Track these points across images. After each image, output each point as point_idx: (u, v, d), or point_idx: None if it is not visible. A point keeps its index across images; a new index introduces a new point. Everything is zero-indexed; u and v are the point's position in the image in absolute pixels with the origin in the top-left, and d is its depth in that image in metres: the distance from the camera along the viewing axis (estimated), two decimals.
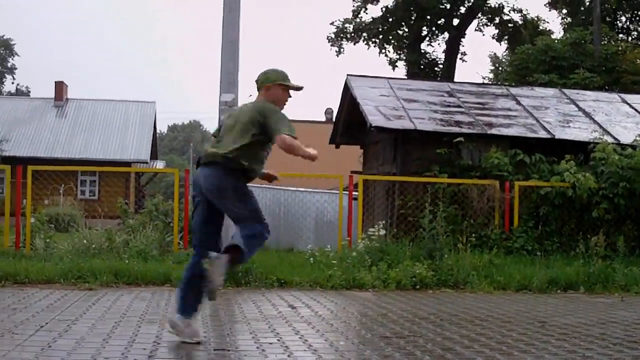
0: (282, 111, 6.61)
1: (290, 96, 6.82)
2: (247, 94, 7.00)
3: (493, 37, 45.80)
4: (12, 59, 79.66)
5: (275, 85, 6.71)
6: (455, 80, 36.51)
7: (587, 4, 40.25)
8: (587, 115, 18.04)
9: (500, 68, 44.37)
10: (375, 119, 15.87)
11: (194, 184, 6.77)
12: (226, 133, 6.60)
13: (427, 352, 6.26)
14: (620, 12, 42.19)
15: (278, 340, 6.71)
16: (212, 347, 6.29)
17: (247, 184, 6.59)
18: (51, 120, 43.50)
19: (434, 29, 45.74)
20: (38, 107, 44.60)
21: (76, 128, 42.81)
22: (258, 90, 6.80)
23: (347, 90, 18.48)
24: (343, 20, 45.69)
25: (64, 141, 41.48)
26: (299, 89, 6.86)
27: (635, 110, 18.85)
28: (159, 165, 47.63)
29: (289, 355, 6.01)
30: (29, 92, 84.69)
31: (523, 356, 6.18)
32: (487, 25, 46.16)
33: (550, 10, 50.26)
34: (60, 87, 45.53)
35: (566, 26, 42.06)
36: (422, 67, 44.21)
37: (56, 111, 44.50)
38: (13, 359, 5.60)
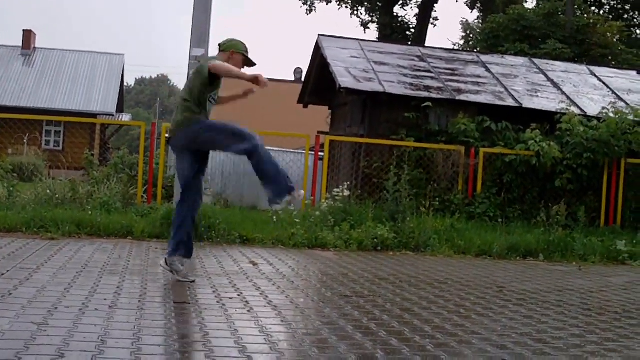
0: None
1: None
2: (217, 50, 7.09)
3: (466, 4, 45.65)
4: None
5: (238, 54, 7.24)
6: (426, 45, 36.42)
7: None
8: (556, 85, 18.15)
9: (471, 35, 44.30)
10: (345, 80, 15.86)
11: None
12: None
13: (386, 312, 6.32)
14: None
15: (239, 295, 6.73)
16: (173, 299, 6.30)
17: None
18: (18, 69, 42.88)
19: None
20: (4, 55, 43.91)
21: (43, 78, 42.27)
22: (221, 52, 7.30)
23: (317, 51, 18.42)
24: None
25: (30, 90, 40.95)
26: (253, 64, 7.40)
27: (603, 83, 19.00)
28: (125, 118, 47.22)
29: (249, 311, 6.04)
30: None
31: (480, 320, 6.26)
32: None
33: None
34: (28, 35, 44.85)
35: None
36: (393, 30, 43.95)
37: (23, 60, 43.87)
38: None
